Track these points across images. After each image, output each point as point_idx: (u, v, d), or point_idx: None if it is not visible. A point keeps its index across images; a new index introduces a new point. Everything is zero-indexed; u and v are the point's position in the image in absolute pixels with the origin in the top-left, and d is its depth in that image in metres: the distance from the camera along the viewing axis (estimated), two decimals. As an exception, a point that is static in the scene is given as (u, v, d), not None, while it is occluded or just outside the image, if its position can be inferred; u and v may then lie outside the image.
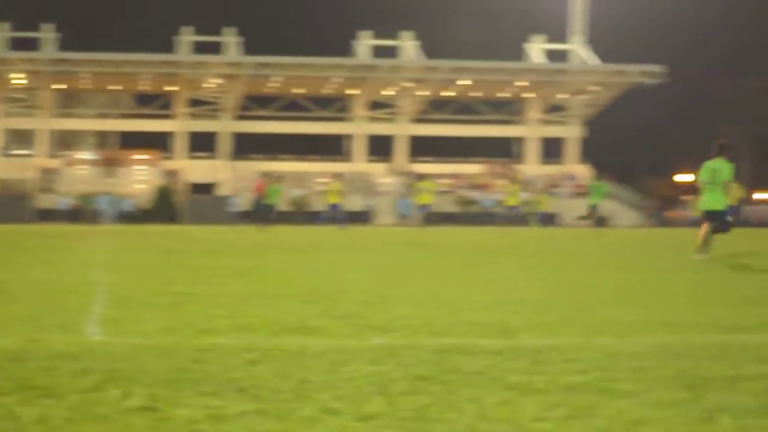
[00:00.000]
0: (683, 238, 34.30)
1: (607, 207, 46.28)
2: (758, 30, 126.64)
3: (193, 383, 4.78)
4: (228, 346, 6.04)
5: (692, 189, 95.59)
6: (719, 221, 18.06)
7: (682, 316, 7.82)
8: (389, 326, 7.09)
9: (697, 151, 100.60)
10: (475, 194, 79.68)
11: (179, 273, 12.82)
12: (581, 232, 44.73)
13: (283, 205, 47.75)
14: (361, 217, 68.94)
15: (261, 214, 44.11)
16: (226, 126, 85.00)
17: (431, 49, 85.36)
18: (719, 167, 18.14)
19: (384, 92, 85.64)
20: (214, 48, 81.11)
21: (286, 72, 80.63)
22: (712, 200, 18.15)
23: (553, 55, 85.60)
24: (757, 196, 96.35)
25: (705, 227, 17.94)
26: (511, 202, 53.81)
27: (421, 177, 67.08)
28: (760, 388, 4.72)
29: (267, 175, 46.94)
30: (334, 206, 47.03)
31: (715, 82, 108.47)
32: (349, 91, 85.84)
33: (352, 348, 6.01)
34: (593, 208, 41.27)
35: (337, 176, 50.83)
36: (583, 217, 43.74)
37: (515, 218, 56.47)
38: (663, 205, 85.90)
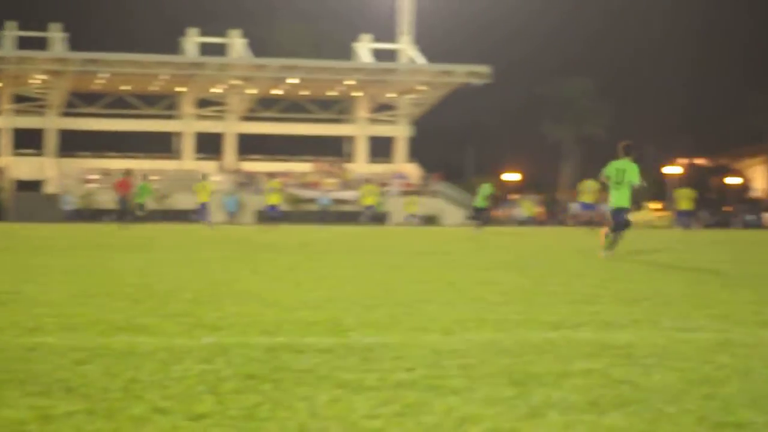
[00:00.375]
0: (514, 236, 34.96)
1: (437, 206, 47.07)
2: (584, 33, 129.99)
3: (19, 383, 4.67)
4: (55, 345, 5.92)
5: (519, 188, 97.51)
6: (620, 218, 19.02)
7: (510, 314, 7.95)
8: (220, 325, 7.04)
9: (524, 150, 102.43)
10: (307, 192, 79.67)
11: (5, 271, 12.50)
12: (412, 230, 45.18)
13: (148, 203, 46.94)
14: (188, 216, 68.10)
15: (126, 212, 43.51)
16: (51, 123, 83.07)
17: (260, 47, 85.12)
18: (626, 167, 19.08)
19: (212, 90, 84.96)
20: (39, 43, 79.25)
21: (112, 68, 79.21)
22: (619, 198, 19.10)
23: (383, 55, 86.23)
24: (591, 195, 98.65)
25: (608, 227, 19.14)
26: (368, 201, 54.44)
27: (270, 176, 66.84)
28: (587, 384, 4.82)
29: (128, 173, 46.04)
30: (203, 205, 46.56)
31: (541, 82, 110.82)
32: (177, 89, 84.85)
33: (182, 347, 5.95)
34: (479, 209, 42.55)
35: (204, 176, 50.21)
36: (471, 218, 44.56)
37: (375, 218, 57.07)
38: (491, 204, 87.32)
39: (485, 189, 43.16)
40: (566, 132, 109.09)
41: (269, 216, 48.04)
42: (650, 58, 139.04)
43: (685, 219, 47.34)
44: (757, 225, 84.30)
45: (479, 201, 42.83)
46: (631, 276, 12.83)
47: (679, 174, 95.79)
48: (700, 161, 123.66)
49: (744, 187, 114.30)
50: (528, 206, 78.96)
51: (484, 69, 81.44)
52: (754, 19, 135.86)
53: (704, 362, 5.54)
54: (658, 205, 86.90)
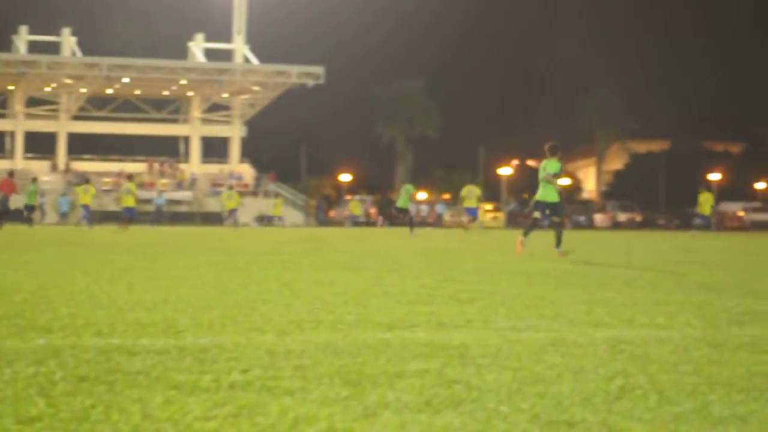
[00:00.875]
0: (351, 237, 35.09)
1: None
2: (413, 35, 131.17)
3: None
4: None
5: (354, 189, 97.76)
6: (555, 213, 20.68)
7: (345, 314, 7.96)
8: (51, 326, 6.89)
9: (358, 151, 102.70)
10: (142, 193, 78.61)
11: None
12: (248, 231, 44.93)
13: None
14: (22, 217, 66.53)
15: (8, 213, 42.41)
16: None
17: (94, 46, 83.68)
18: (546, 165, 20.51)
19: (45, 89, 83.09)
20: None
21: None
22: (545, 193, 20.46)
23: (220, 55, 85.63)
24: (422, 195, 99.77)
25: (533, 218, 20.88)
26: (231, 205, 55.26)
27: (85, 178, 65.76)
28: (421, 384, 4.85)
29: (11, 174, 44.92)
30: (86, 207, 47.62)
31: (373, 83, 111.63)
32: (8, 87, 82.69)
33: (12, 349, 5.80)
34: (401, 210, 40.69)
35: (35, 180, 49.43)
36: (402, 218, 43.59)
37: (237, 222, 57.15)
38: (326, 205, 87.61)
39: (408, 189, 42.48)
40: (399, 132, 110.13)
41: (125, 218, 47.49)
42: (478, 60, 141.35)
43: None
44: (588, 226, 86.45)
45: (402, 202, 42.32)
46: (465, 277, 12.98)
47: (510, 175, 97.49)
48: (531, 162, 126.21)
49: (575, 189, 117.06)
50: (354, 206, 79.38)
51: (317, 70, 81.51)
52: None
53: (537, 361, 5.64)
54: (491, 206, 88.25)
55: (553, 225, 20.90)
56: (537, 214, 20.83)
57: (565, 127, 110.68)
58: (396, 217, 43.61)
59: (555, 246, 20.08)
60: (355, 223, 75.82)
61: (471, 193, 45.63)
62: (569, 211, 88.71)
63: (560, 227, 20.59)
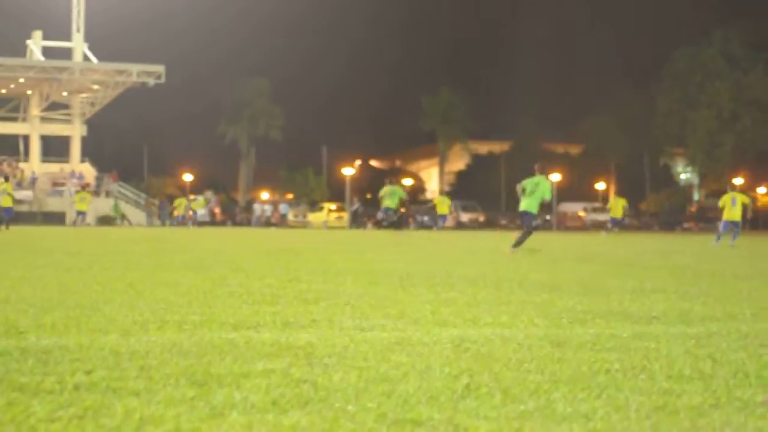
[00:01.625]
0: (196, 236, 34.75)
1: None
2: (258, 35, 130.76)
3: None
4: None
5: (197, 188, 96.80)
6: (528, 222, 23.48)
7: (191, 315, 7.89)
8: None
9: (202, 150, 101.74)
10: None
11: None
12: (94, 231, 44.14)
13: None
14: None
15: None
16: None
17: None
18: (539, 182, 23.49)
19: None
20: None
21: None
22: (529, 204, 23.39)
23: (58, 53, 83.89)
24: (265, 195, 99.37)
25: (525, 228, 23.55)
26: (82, 207, 55.32)
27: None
28: (268, 384, 4.83)
29: None
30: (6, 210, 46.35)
31: (217, 83, 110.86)
32: None
33: None
34: (390, 210, 43.08)
35: None
36: (383, 220, 44.46)
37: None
38: (169, 204, 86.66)
39: (397, 191, 43.86)
40: (242, 132, 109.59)
41: (4, 219, 46.31)
42: (322, 60, 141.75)
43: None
44: (431, 225, 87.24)
45: (391, 202, 43.24)
46: (311, 276, 12.98)
47: (354, 175, 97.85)
48: (375, 162, 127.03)
49: (418, 189, 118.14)
50: (181, 205, 78.64)
51: (158, 68, 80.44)
52: (413, 25, 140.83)
53: (383, 361, 5.67)
54: (335, 206, 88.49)
55: (527, 228, 23.66)
56: (535, 222, 23.88)
57: (408, 128, 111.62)
58: (384, 219, 44.67)
59: (512, 245, 23.09)
60: (196, 222, 75.14)
61: (389, 192, 46.23)
62: (412, 211, 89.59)
63: (529, 234, 23.55)
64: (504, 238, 31.71)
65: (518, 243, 23.21)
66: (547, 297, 10.18)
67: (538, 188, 23.29)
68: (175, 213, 75.51)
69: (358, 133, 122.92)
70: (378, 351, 6.07)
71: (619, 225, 52.61)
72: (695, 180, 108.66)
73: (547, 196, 23.57)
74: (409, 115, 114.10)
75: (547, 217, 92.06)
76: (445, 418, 4.18)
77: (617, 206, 49.97)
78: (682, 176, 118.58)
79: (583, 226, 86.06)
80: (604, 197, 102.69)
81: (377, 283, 11.86)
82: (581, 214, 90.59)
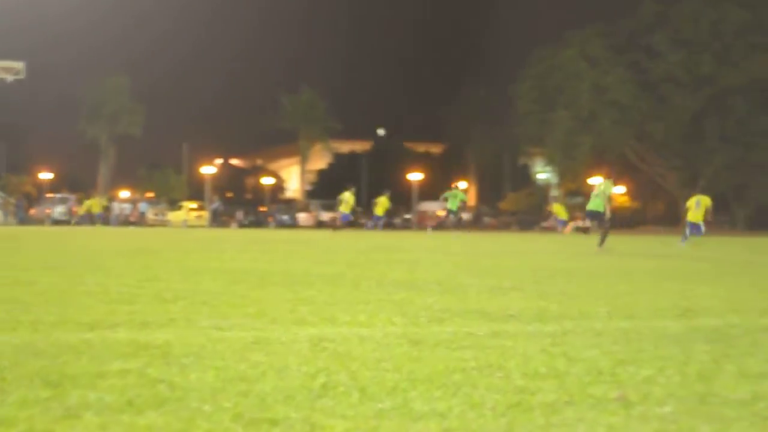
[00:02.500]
0: (55, 235, 34.09)
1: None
2: (118, 32, 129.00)
3: None
4: None
5: (56, 187, 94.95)
6: (600, 220, 27.15)
7: (45, 315, 7.75)
8: None
9: (61, 148, 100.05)
10: None
11: None
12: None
13: None
14: None
15: None
16: None
17: None
18: (606, 185, 27.44)
19: None
20: None
21: None
22: (595, 204, 26.98)
23: None
24: (125, 194, 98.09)
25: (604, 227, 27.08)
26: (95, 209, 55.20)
27: None
28: (124, 384, 4.77)
29: None
30: None
31: (77, 81, 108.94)
32: None
33: None
34: (452, 213, 45.79)
35: None
36: (453, 224, 46.75)
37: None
38: (27, 203, 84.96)
39: (457, 194, 46.50)
40: (101, 130, 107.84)
41: None
42: (182, 58, 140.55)
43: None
44: (292, 225, 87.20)
45: (452, 204, 46.06)
46: (169, 276, 12.85)
47: (214, 174, 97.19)
48: (235, 161, 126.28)
49: (278, 188, 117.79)
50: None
51: (17, 65, 78.68)
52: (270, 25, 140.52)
53: (240, 360, 5.64)
54: (196, 205, 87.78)
55: (603, 228, 27.21)
56: (590, 223, 28.88)
57: (269, 126, 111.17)
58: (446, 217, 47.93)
59: (598, 245, 26.40)
60: (56, 221, 73.86)
61: (346, 199, 47.47)
62: (272, 210, 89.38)
63: (606, 231, 26.91)
64: (364, 237, 31.83)
65: (602, 242, 26.73)
66: (405, 295, 10.24)
67: (605, 189, 27.52)
68: (78, 211, 74.46)
69: (220, 131, 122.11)
70: (236, 350, 6.05)
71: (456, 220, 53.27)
72: (553, 180, 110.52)
73: (610, 191, 27.69)
74: (270, 114, 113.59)
75: (407, 216, 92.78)
76: (302, 417, 4.18)
77: (455, 199, 50.32)
78: (541, 176, 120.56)
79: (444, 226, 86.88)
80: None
81: (236, 282, 11.79)
82: (440, 213, 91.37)
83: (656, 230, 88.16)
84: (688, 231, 34.01)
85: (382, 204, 51.91)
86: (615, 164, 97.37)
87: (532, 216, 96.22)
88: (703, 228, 34.28)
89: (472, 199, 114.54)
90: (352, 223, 48.39)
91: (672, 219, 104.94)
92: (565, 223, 57.31)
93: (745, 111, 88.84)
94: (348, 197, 47.51)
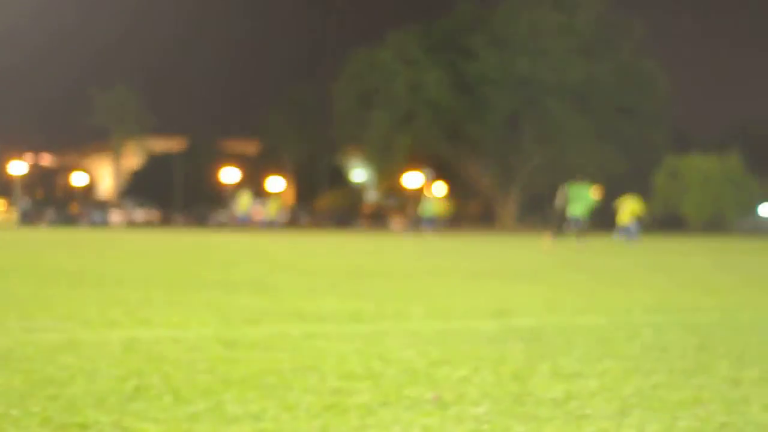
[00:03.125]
0: None
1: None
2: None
3: None
4: None
5: None
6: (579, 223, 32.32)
7: None
8: None
9: None
10: None
11: None
12: None
13: None
14: None
15: None
16: None
17: None
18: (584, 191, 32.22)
19: None
20: None
21: None
22: (579, 209, 31.98)
23: None
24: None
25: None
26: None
27: None
28: None
29: None
30: None
31: None
32: None
33: None
34: (576, 220, 35.87)
35: None
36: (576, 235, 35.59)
37: None
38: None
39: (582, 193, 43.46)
40: None
41: None
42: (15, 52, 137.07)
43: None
44: (104, 224, 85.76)
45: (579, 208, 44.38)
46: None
47: (23, 173, 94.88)
48: (46, 160, 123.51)
49: (91, 187, 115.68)
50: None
51: None
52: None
53: (49, 363, 5.47)
54: (3, 204, 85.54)
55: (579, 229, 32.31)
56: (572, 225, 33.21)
57: (80, 123, 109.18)
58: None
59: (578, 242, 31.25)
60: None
61: (244, 200, 46.44)
62: (84, 209, 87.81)
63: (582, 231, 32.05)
64: (179, 237, 31.49)
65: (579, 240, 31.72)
66: (219, 296, 10.15)
67: (585, 194, 32.30)
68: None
69: (30, 128, 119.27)
70: (44, 353, 5.87)
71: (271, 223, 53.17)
72: (370, 179, 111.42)
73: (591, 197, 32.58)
74: (83, 111, 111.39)
75: (221, 214, 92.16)
76: (113, 421, 4.07)
77: (273, 204, 50.53)
78: (357, 175, 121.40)
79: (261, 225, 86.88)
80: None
81: (47, 283, 11.50)
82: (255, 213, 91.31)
83: (472, 230, 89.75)
84: (629, 230, 35.98)
85: (273, 203, 51.37)
86: (431, 164, 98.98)
87: (348, 215, 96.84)
88: (632, 229, 36.08)
89: (289, 199, 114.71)
90: (246, 223, 47.48)
91: (488, 219, 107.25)
92: (428, 224, 56.56)
93: (559, 113, 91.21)
94: (245, 198, 46.95)
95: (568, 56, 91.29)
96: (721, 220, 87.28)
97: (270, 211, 51.16)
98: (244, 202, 48.74)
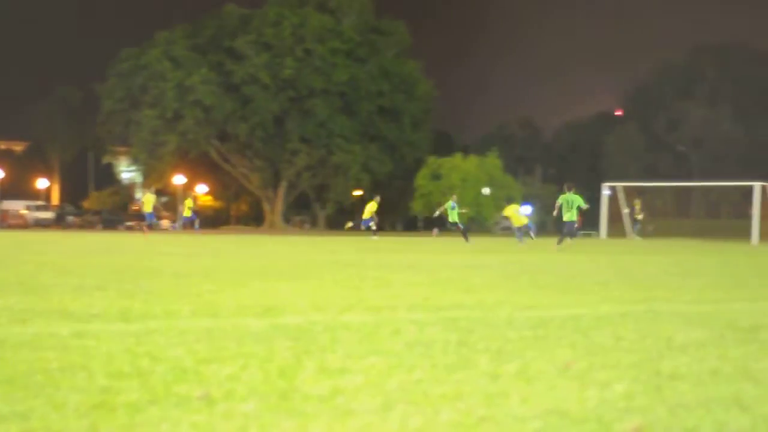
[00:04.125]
0: None
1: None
2: None
3: None
4: None
5: None
6: (569, 228, 34.71)
7: None
8: None
9: None
10: None
11: None
12: None
13: None
14: None
15: None
16: None
17: None
18: (572, 198, 34.56)
19: None
20: None
21: None
22: (568, 215, 34.35)
23: None
24: None
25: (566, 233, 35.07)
26: None
27: None
28: None
29: None
30: None
31: None
32: None
33: None
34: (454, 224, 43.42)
35: None
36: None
37: None
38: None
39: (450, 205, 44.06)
40: None
41: None
42: None
43: None
44: None
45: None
46: None
47: None
48: None
49: None
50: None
51: None
52: None
53: None
54: None
55: (570, 234, 35.76)
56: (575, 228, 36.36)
57: None
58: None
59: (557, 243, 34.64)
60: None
61: (148, 200, 44.81)
62: None
63: (570, 236, 36.10)
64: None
65: (560, 242, 34.66)
66: (-16, 296, 9.90)
67: (573, 202, 34.42)
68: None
69: None
70: None
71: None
72: (138, 179, 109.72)
73: (583, 205, 34.82)
74: None
75: None
76: None
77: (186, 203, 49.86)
78: (125, 175, 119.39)
79: (26, 225, 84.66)
80: (47, 195, 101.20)
81: None
82: (23, 212, 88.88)
83: (242, 230, 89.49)
84: (564, 230, 36.15)
85: (149, 199, 49.88)
86: (199, 164, 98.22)
87: (116, 215, 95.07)
88: (571, 227, 36.95)
89: (55, 198, 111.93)
90: (153, 224, 46.48)
91: (257, 218, 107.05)
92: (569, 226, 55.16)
93: (325, 114, 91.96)
94: (149, 198, 45.86)
95: (333, 58, 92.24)
96: (482, 220, 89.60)
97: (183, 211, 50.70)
98: (148, 201, 47.71)
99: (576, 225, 36.84)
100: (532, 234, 43.61)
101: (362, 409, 4.48)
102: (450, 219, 43.40)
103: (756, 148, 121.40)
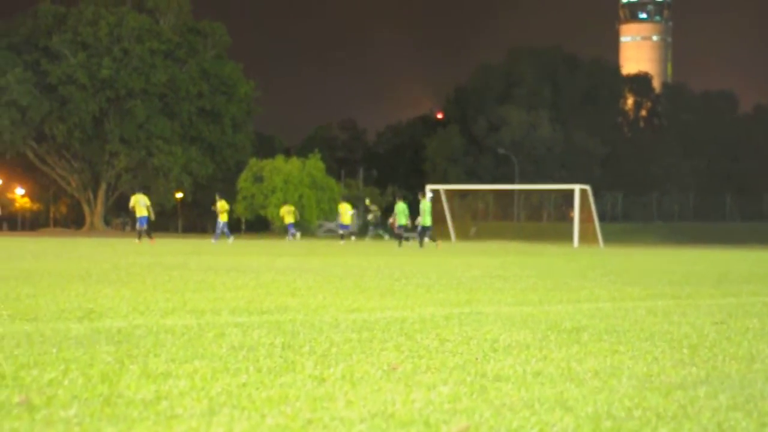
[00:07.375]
0: None
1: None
2: None
3: None
4: None
5: None
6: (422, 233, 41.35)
7: None
8: None
9: None
10: None
11: None
12: None
13: None
14: None
15: None
16: None
17: None
18: (426, 207, 40.86)
19: None
20: None
21: None
22: (425, 220, 40.90)
23: None
24: None
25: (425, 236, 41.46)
26: None
27: None
28: None
29: None
30: None
31: None
32: None
33: None
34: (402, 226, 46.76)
35: None
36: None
37: None
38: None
39: (402, 208, 46.05)
40: None
41: None
42: None
43: None
44: None
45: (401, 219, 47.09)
46: None
47: None
48: None
49: None
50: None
51: None
52: None
53: None
54: None
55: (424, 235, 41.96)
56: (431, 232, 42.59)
57: None
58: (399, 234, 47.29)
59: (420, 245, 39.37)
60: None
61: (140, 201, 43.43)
62: None
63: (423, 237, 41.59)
64: None
65: (421, 243, 41.20)
66: None
67: (427, 209, 41.78)
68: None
69: None
70: None
71: None
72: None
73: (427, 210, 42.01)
74: None
75: None
76: None
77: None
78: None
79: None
80: None
81: None
82: None
83: (61, 232, 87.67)
84: (418, 233, 42.52)
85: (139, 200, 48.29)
86: (15, 165, 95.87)
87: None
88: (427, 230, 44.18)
89: None
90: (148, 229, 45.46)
91: (77, 221, 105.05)
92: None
93: (144, 115, 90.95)
94: (139, 198, 44.52)
95: (152, 59, 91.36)
96: (306, 223, 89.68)
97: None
98: (138, 201, 46.43)
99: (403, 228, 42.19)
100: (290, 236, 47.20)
101: (187, 414, 4.45)
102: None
103: (574, 151, 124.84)
